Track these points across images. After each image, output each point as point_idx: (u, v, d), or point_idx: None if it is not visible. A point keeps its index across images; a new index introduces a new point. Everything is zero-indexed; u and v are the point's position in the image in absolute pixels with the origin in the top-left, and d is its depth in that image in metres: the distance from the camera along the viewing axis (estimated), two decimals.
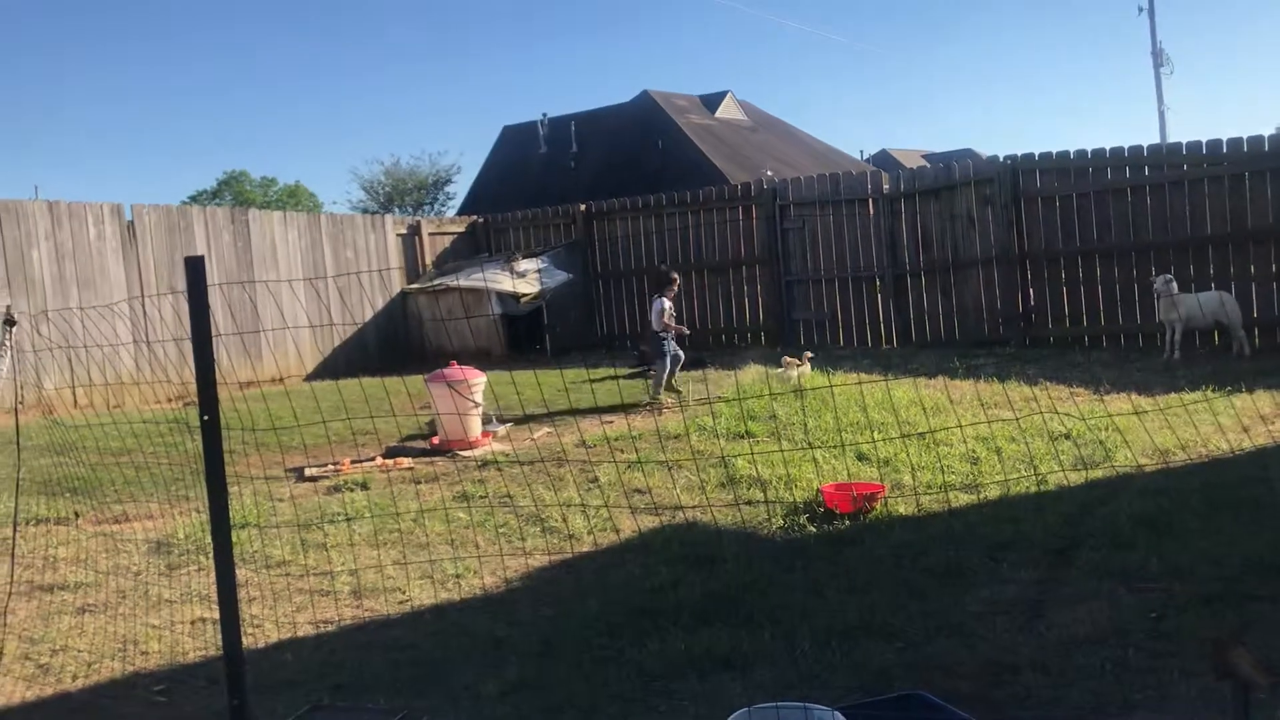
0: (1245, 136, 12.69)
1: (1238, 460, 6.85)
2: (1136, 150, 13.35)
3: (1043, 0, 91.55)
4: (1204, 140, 12.97)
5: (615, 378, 12.13)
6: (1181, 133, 63.46)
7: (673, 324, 10.94)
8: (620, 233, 17.13)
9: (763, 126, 34.04)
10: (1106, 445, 7.60)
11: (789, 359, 10.97)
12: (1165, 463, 6.97)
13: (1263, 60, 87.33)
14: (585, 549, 6.11)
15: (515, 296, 15.81)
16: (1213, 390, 9.21)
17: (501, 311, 15.89)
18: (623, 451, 8.17)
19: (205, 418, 3.40)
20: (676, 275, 11.49)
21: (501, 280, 15.84)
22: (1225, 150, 12.72)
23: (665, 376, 10.74)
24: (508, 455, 8.33)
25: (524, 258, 16.68)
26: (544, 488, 7.31)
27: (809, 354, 11.34)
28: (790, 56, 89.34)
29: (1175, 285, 11.83)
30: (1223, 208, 12.70)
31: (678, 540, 6.04)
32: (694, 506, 6.73)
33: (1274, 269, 12.33)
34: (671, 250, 16.68)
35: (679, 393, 10.85)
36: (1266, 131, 13.17)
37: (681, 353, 11.02)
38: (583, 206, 17.56)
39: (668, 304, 10.94)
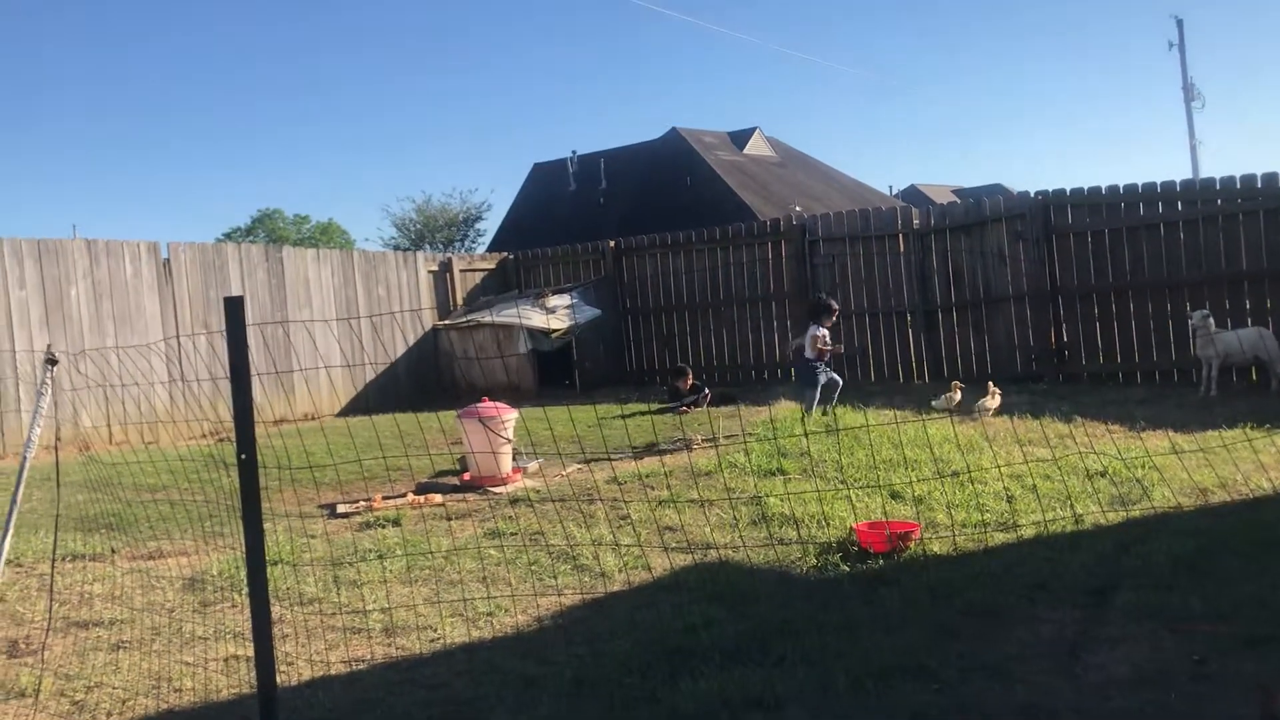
0: (1278, 171, 12.60)
1: (1278, 500, 6.73)
2: (1169, 186, 13.30)
3: (1073, 36, 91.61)
4: (1237, 175, 12.92)
5: (636, 413, 12.14)
6: (1213, 167, 63.19)
7: (828, 348, 11.39)
8: (649, 269, 17.18)
9: (791, 162, 34.15)
10: (1144, 483, 7.50)
11: (951, 393, 11.29)
12: (1204, 501, 6.87)
13: None
14: (617, 587, 6.08)
15: (546, 332, 15.87)
16: (1252, 428, 9.09)
17: (532, 347, 15.95)
18: (654, 489, 8.15)
19: (243, 456, 3.43)
20: (836, 304, 11.91)
21: (532, 316, 15.92)
22: (1259, 185, 12.64)
23: (815, 400, 11.14)
24: (539, 492, 8.33)
25: (554, 294, 16.77)
26: (575, 525, 7.29)
27: (959, 384, 11.70)
28: (819, 92, 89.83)
29: (1213, 321, 11.74)
30: (1258, 243, 12.62)
31: (710, 579, 6.00)
32: (726, 545, 6.69)
33: None
34: (701, 286, 16.71)
35: (828, 415, 11.04)
36: None
37: (838, 378, 11.41)
38: (612, 243, 17.65)
39: (824, 332, 11.32)
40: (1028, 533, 6.53)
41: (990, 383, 11.66)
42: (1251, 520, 6.27)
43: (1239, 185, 12.79)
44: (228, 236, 52.70)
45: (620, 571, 6.33)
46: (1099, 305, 13.66)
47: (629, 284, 17.37)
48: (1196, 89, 35.78)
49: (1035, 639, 4.81)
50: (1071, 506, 6.98)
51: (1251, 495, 6.85)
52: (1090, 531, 6.44)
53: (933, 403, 11.62)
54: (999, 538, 6.54)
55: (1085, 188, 13.86)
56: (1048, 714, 4.04)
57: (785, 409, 11.46)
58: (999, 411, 10.97)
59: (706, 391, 13.52)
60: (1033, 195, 14.21)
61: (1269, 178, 12.61)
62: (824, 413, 10.94)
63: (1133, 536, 6.26)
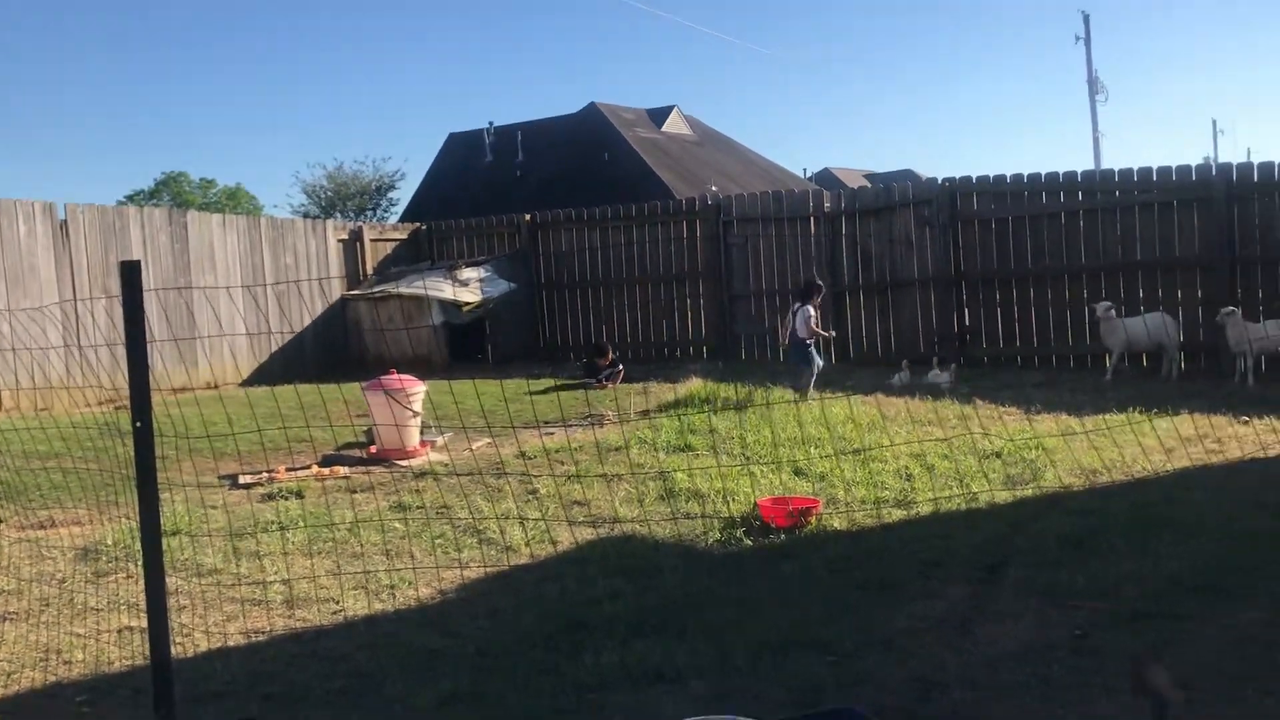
0: (1174, 166, 13.11)
1: (1161, 481, 7.03)
2: (1070, 176, 13.68)
3: (986, 26, 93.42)
4: (1135, 168, 13.37)
5: (548, 388, 12.13)
6: (1116, 159, 65.13)
7: (819, 330, 11.63)
8: (565, 244, 17.13)
9: (708, 141, 34.27)
10: (1035, 465, 7.76)
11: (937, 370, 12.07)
12: (1092, 482, 7.13)
13: (1195, 89, 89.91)
14: (522, 561, 6.09)
15: (457, 305, 15.73)
16: (1140, 412, 9.44)
17: (443, 320, 15.79)
18: (563, 464, 8.17)
19: (138, 423, 3.35)
20: (823, 284, 12.19)
21: (444, 288, 15.76)
22: (1155, 179, 13.09)
23: (814, 378, 11.31)
24: (446, 466, 8.29)
25: (467, 266, 16.61)
26: (482, 499, 7.28)
27: (908, 362, 12.49)
28: (737, 73, 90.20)
29: (1114, 311, 12.17)
30: (1152, 235, 13.06)
31: (615, 553, 6.05)
32: (632, 520, 6.75)
33: (1199, 295, 12.68)
34: (616, 263, 16.72)
35: (803, 398, 11.17)
36: (1195, 161, 13.60)
37: (820, 359, 11.65)
38: (527, 216, 17.54)
39: (814, 312, 11.52)
40: (924, 510, 6.71)
41: (935, 359, 12.45)
42: (1135, 501, 6.53)
43: (1136, 178, 13.22)
44: (129, 199, 51.01)
45: (526, 545, 6.34)
46: (1001, 291, 14.02)
47: (544, 258, 17.29)
48: (1101, 82, 36.79)
49: (929, 613, 4.95)
50: (966, 486, 7.19)
51: (1135, 477, 7.12)
52: (984, 510, 6.64)
53: (891, 380, 12.28)
54: (897, 515, 6.71)
55: (990, 176, 14.19)
56: (938, 686, 4.18)
57: (697, 386, 11.56)
58: (907, 390, 11.23)
59: (620, 368, 13.57)
60: (940, 182, 14.51)
61: (1164, 172, 13.06)
62: (802, 396, 11.07)
63: (1024, 515, 6.48)
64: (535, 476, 7.66)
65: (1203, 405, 9.86)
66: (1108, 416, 9.41)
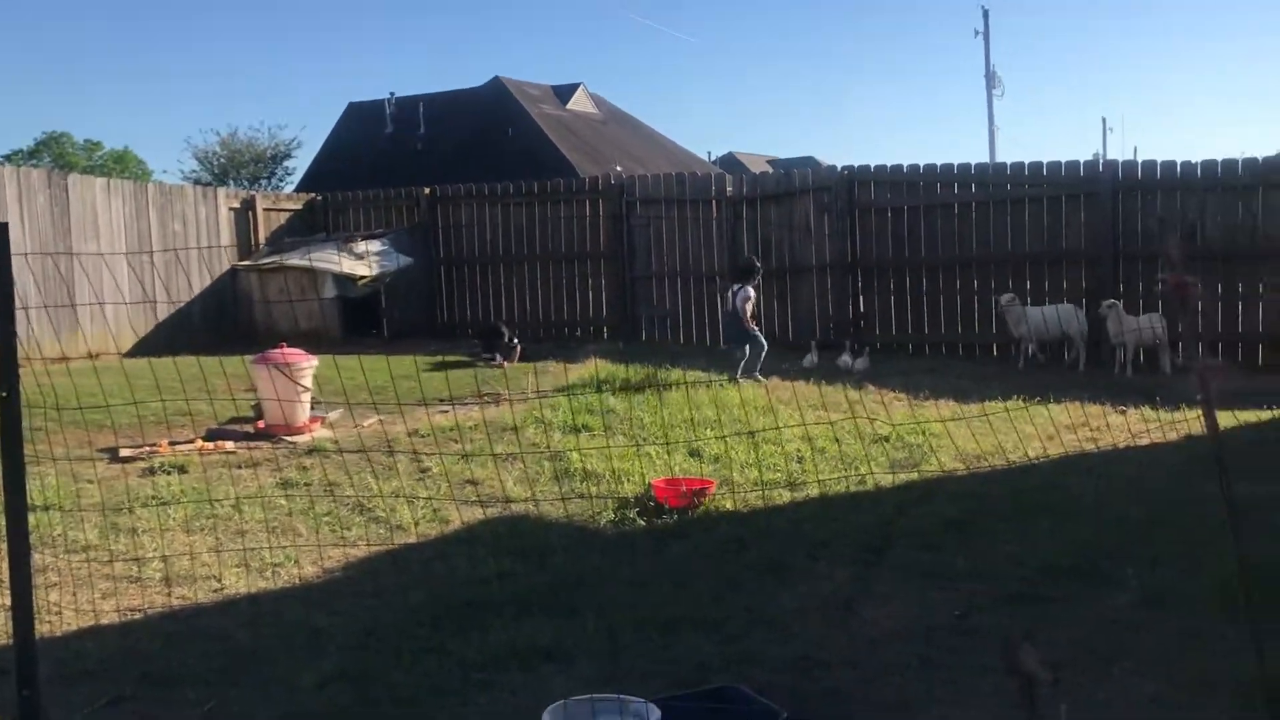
0: (1064, 161, 13.49)
1: (1040, 467, 7.27)
2: (965, 168, 14.01)
3: (889, 18, 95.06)
4: (1027, 162, 13.73)
5: (444, 365, 12.01)
6: (1010, 153, 66.91)
7: (748, 320, 11.69)
8: (465, 219, 16.93)
9: (614, 121, 34.21)
10: (922, 449, 7.96)
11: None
12: (975, 468, 7.34)
13: (1088, 87, 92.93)
14: (411, 540, 6.03)
15: (352, 279, 15.43)
16: (1023, 400, 9.74)
17: (337, 294, 15.48)
18: (457, 443, 8.10)
19: (3, 393, 3.21)
20: (760, 264, 12.27)
21: (339, 261, 15.44)
22: (1046, 173, 13.49)
23: (761, 359, 11.38)
24: (336, 443, 8.14)
25: (363, 239, 16.29)
26: (371, 477, 7.17)
27: (815, 343, 13.01)
28: (644, 53, 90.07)
29: (1018, 302, 12.49)
30: (1042, 228, 13.47)
31: (507, 533, 6.04)
32: (525, 500, 6.73)
33: (1084, 287, 13.12)
34: (518, 240, 16.59)
35: (758, 380, 11.23)
36: (1085, 158, 14.05)
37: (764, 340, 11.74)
38: (428, 190, 17.28)
39: (753, 293, 11.57)
40: (814, 493, 6.84)
41: (848, 342, 12.94)
42: (1015, 486, 6.75)
43: (1028, 172, 13.61)
44: (7, 159, 48.79)
45: (415, 525, 6.28)
46: (895, 279, 14.31)
47: (444, 233, 17.06)
48: (998, 76, 37.69)
49: (815, 594, 5.05)
50: (855, 469, 7.34)
51: (1016, 463, 7.36)
52: (871, 493, 6.79)
53: (802, 362, 12.59)
54: (787, 496, 6.82)
55: (888, 165, 14.47)
56: (821, 665, 4.26)
57: (598, 366, 11.57)
58: (811, 374, 11.40)
59: (518, 345, 13.48)
60: (839, 170, 14.73)
61: (1054, 167, 13.47)
62: (731, 379, 11.09)
63: (909, 499, 6.65)
64: (426, 455, 7.59)
65: (1084, 395, 10.22)
66: (992, 404, 9.68)
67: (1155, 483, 6.71)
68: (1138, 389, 10.58)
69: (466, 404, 9.73)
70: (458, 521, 6.34)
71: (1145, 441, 7.85)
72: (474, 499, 6.74)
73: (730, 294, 11.97)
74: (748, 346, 11.48)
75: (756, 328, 11.66)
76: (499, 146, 28.47)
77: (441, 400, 9.81)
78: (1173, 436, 8.02)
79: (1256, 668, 3.34)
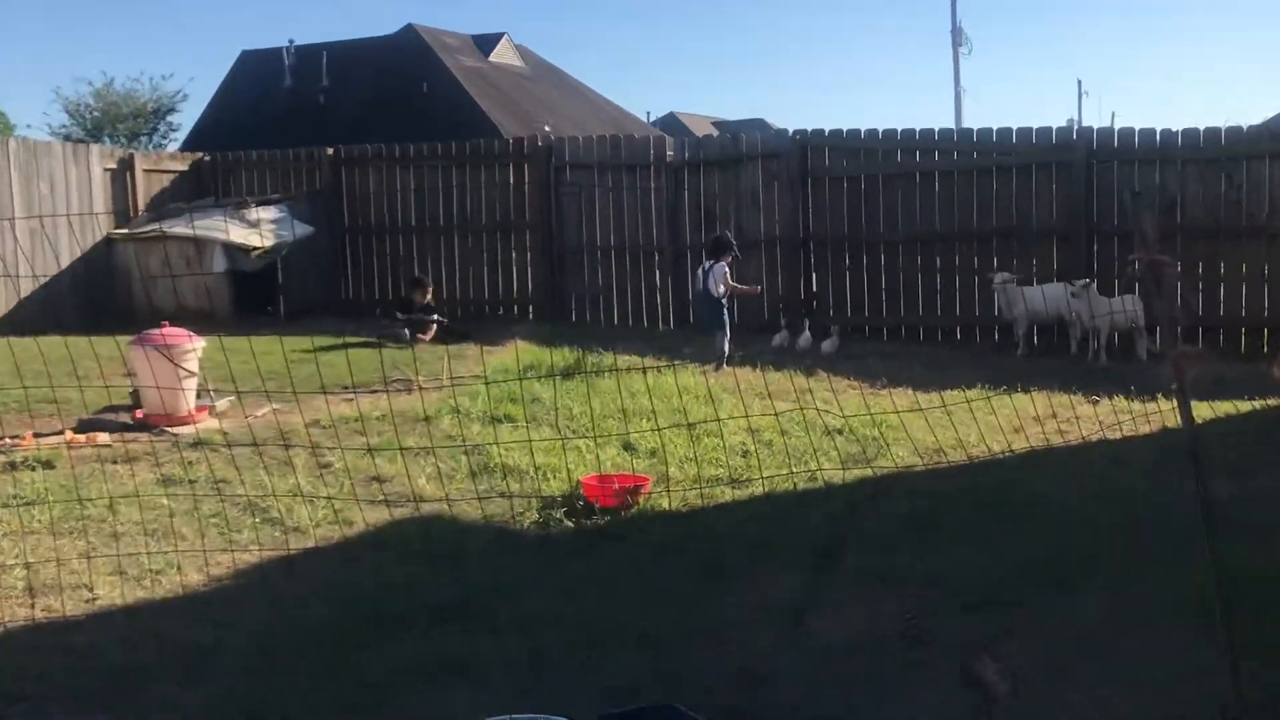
0: (1035, 128, 13.68)
1: (1004, 463, 7.42)
2: (928, 134, 14.15)
3: None
4: (995, 128, 13.89)
5: (348, 347, 11.91)
6: (979, 118, 67.87)
7: (738, 287, 12.07)
8: (375, 184, 16.75)
9: (542, 76, 34.09)
10: (877, 443, 8.08)
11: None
12: (934, 463, 7.47)
13: (1062, 47, 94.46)
14: (310, 544, 6.00)
15: (245, 250, 15.20)
16: (987, 389, 9.91)
17: (227, 267, 15.25)
18: (360, 435, 8.05)
19: None
20: (733, 240, 12.38)
21: (230, 230, 15.20)
22: (1016, 140, 13.66)
23: (728, 342, 11.55)
24: (227, 434, 8.05)
25: (258, 205, 16.04)
26: (265, 474, 7.11)
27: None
28: (576, 1, 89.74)
29: (1014, 281, 12.56)
30: (1010, 201, 13.67)
31: (417, 536, 6.03)
32: (438, 499, 6.72)
33: (1055, 267, 13.36)
34: (433, 208, 16.47)
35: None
36: (1057, 123, 14.28)
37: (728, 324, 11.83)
38: (331, 151, 17.07)
39: (728, 269, 11.71)
40: (759, 490, 6.91)
41: (807, 322, 13.23)
42: (977, 483, 6.88)
43: (996, 138, 13.79)
44: None
45: (317, 526, 6.24)
46: (851, 255, 14.45)
47: (351, 200, 16.86)
48: (965, 34, 38.21)
49: (759, 601, 5.11)
50: (806, 464, 7.43)
51: (979, 458, 7.50)
52: (822, 490, 6.89)
53: (773, 342, 12.93)
54: (730, 495, 6.89)
55: (844, 130, 14.56)
56: (765, 680, 4.32)
57: (522, 350, 11.54)
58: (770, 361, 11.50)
59: (436, 315, 13.32)
60: (790, 135, 14.82)
61: (1024, 133, 13.65)
62: (717, 366, 11.17)
63: (863, 496, 6.75)
64: (328, 449, 7.53)
65: (1054, 382, 10.43)
66: (954, 393, 9.83)
67: (1128, 480, 6.87)
68: (1112, 377, 10.83)
69: (373, 391, 9.67)
70: (362, 523, 6.30)
71: (1118, 435, 8.04)
72: (380, 498, 6.71)
73: (701, 272, 12.05)
74: (728, 326, 11.63)
75: (726, 312, 11.76)
76: (412, 103, 28.22)
77: (345, 387, 9.72)
78: (1147, 429, 8.21)
79: (1232, 685, 3.46)
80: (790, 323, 13.58)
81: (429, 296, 13.82)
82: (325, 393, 8.89)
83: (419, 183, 16.60)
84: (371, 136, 20.05)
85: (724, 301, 11.70)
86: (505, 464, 7.42)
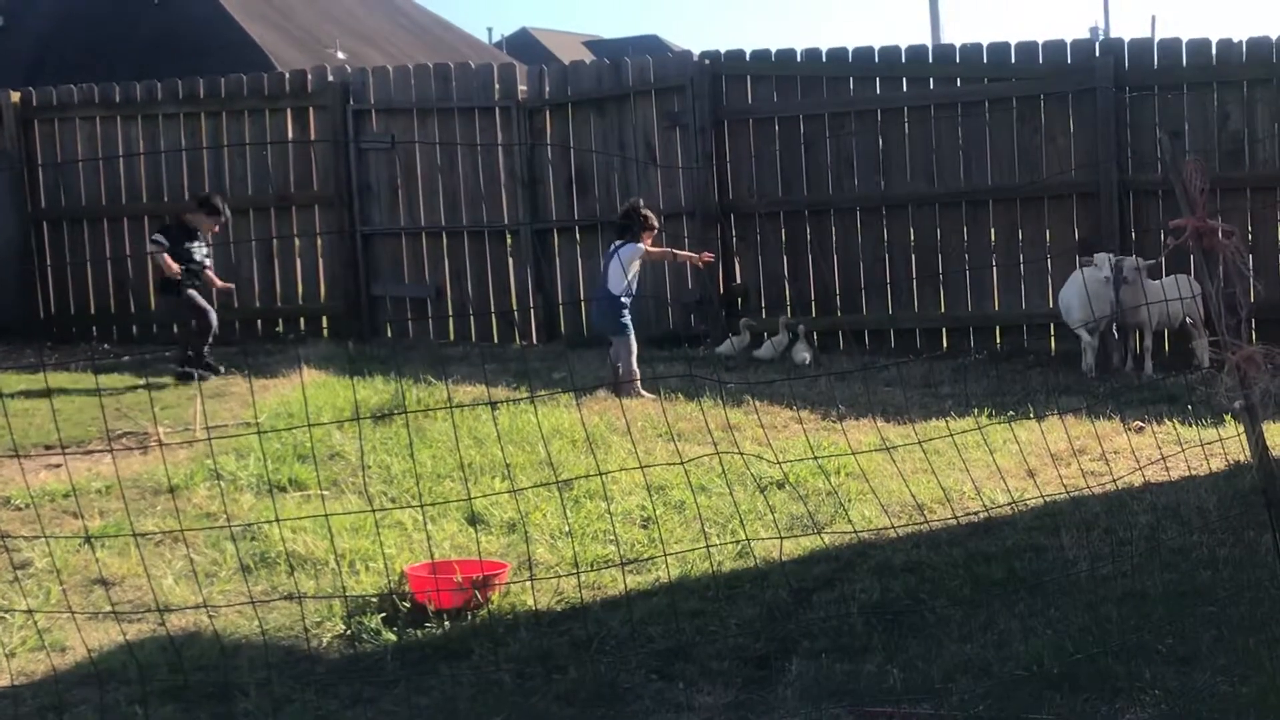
0: (1041, 42, 13.99)
1: (1014, 522, 7.57)
2: (891, 54, 14.34)
3: None
4: (985, 44, 14.13)
5: (50, 391, 11.71)
6: (963, 34, 69.03)
7: (677, 253, 13.01)
8: (84, 145, 16.51)
9: None
10: (836, 498, 8.18)
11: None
12: (913, 526, 7.59)
13: None
14: (3, 682, 5.88)
15: None
16: (990, 415, 10.10)
17: None
18: (74, 517, 7.91)
19: None
20: (648, 213, 12.28)
21: None
22: (1014, 60, 13.90)
23: (634, 357, 11.90)
24: None
25: None
26: None
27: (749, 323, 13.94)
28: None
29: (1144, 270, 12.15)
30: (1009, 147, 13.89)
31: (164, 664, 5.94)
32: (196, 606, 6.64)
33: (1075, 236, 13.64)
34: (173, 178, 16.25)
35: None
36: (1072, 36, 14.52)
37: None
38: (15, 96, 16.76)
39: (644, 250, 12.02)
40: (667, 575, 6.94)
41: (783, 326, 13.75)
42: (977, 551, 7.00)
43: (987, 59, 13.98)
44: None
45: (11, 656, 6.13)
46: (788, 231, 14.59)
47: (45, 169, 16.57)
48: None
49: None
50: (732, 533, 7.49)
51: (977, 516, 7.64)
52: (757, 570, 6.94)
53: (719, 349, 13.72)
54: (627, 582, 6.91)
55: (773, 51, 14.69)
56: None
57: (312, 381, 11.46)
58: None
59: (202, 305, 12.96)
60: (697, 59, 14.90)
61: (1027, 50, 13.87)
62: (612, 388, 11.38)
63: (817, 577, 6.83)
64: (25, 540, 7.39)
65: (1080, 403, 10.65)
66: (939, 423, 9.99)
67: (1185, 538, 7.07)
68: (1162, 392, 11.10)
69: (90, 452, 9.51)
70: (80, 648, 6.19)
71: (1171, 474, 8.26)
72: (107, 610, 6.60)
73: (609, 255, 12.21)
74: (631, 333, 11.85)
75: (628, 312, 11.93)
76: (135, 25, 27.88)
77: (49, 447, 9.55)
78: (1210, 466, 8.45)
79: None
80: (751, 324, 14.03)
81: (222, 213, 13.39)
82: (18, 456, 8.73)
83: (149, 140, 16.39)
84: (75, 74, 19.74)
85: (626, 299, 11.82)
86: (292, 552, 7.35)
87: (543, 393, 11.18)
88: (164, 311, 14.55)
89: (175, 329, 14.12)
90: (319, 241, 16.02)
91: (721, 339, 14.10)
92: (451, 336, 15.68)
